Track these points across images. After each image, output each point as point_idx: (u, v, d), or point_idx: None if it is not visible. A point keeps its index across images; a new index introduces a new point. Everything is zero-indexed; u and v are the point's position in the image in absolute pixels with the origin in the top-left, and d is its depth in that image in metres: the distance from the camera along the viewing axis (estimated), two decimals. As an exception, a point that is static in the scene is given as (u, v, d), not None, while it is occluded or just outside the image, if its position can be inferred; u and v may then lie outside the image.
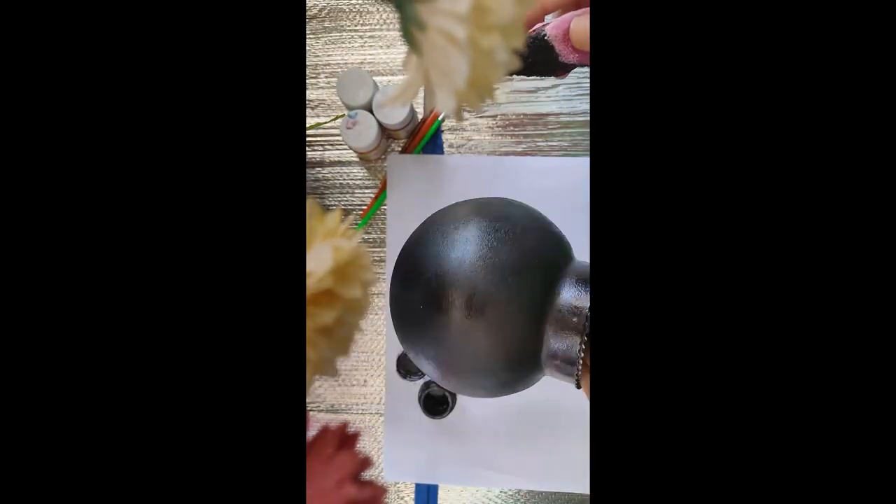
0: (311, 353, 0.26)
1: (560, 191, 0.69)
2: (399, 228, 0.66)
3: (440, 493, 0.72)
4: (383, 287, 0.70)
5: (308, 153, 0.70)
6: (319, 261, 0.25)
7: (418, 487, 0.72)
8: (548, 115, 0.69)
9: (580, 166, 0.69)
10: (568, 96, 0.69)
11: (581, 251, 0.46)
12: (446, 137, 0.69)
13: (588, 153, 0.70)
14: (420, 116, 0.68)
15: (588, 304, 0.38)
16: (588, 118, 0.70)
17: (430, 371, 0.45)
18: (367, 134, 0.62)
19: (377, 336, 0.71)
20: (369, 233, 0.70)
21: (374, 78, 0.64)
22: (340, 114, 0.69)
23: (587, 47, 0.39)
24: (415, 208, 0.67)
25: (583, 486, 0.69)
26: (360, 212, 0.69)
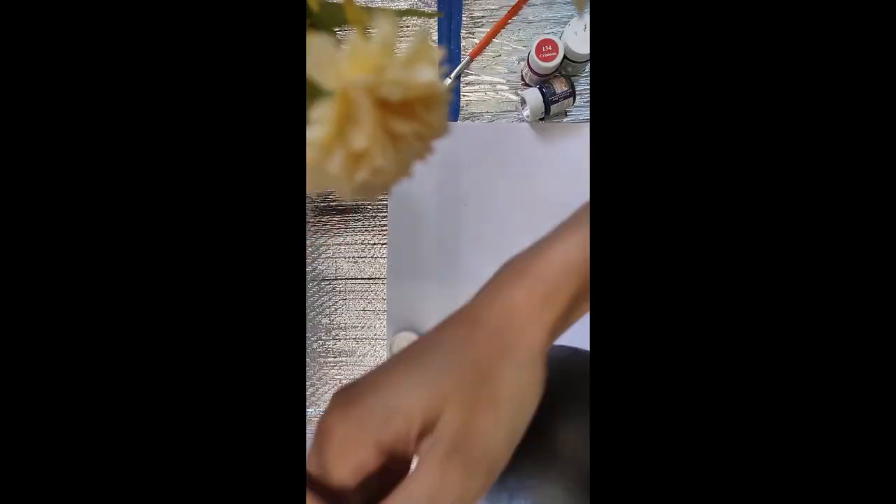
0: (376, 159, 0.24)
1: (560, 156, 0.70)
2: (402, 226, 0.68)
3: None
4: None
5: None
6: (423, 72, 0.24)
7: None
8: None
9: (581, 132, 0.69)
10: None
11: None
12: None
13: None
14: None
15: None
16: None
17: None
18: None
19: (376, 316, 0.72)
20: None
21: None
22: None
23: None
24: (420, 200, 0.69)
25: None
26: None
